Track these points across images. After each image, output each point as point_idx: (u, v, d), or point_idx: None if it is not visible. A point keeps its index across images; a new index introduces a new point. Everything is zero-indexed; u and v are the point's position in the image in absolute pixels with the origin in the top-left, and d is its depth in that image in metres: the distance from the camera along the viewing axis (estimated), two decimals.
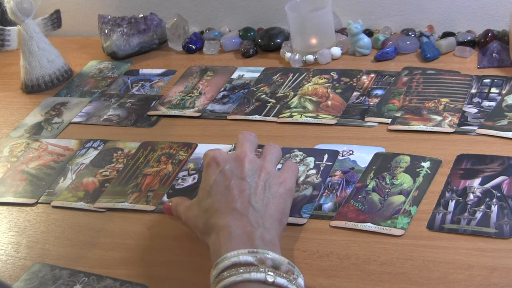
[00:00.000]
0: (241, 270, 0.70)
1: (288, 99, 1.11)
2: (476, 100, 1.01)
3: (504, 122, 0.95)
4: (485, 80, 1.05)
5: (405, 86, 1.08)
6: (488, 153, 0.90)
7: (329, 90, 1.11)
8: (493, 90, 1.02)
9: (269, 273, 0.70)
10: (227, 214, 0.77)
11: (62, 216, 0.97)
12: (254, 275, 0.69)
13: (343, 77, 1.14)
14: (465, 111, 0.99)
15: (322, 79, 1.14)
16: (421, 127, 0.97)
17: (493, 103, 0.99)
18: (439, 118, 0.98)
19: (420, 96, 1.04)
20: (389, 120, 1.01)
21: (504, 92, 1.01)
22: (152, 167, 1.02)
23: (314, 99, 1.09)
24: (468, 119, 0.97)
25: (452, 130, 0.96)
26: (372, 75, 1.13)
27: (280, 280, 0.70)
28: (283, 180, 0.82)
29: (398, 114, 1.01)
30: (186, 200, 0.86)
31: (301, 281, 0.72)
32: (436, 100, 1.02)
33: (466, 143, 0.93)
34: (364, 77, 1.13)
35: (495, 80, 1.04)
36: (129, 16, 1.35)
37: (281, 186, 0.81)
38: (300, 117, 1.06)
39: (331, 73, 1.15)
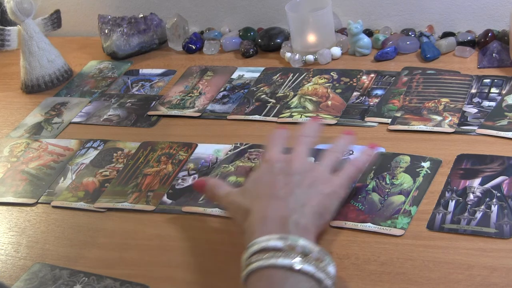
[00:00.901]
0: (269, 255, 0.70)
1: (288, 99, 1.11)
2: (476, 100, 1.01)
3: (504, 122, 0.95)
4: (485, 80, 1.05)
5: (405, 86, 1.08)
6: (488, 153, 0.90)
7: (329, 90, 1.11)
8: (493, 90, 1.02)
9: (296, 259, 0.69)
10: (267, 200, 0.78)
11: (62, 216, 0.97)
12: (281, 261, 0.69)
13: (343, 77, 1.14)
14: (465, 111, 0.99)
15: (322, 79, 1.14)
16: (421, 127, 0.97)
17: (493, 103, 0.99)
18: (439, 118, 0.98)
19: (420, 96, 1.04)
20: (389, 120, 1.01)
21: (504, 92, 1.01)
22: (152, 167, 1.02)
23: (314, 99, 1.09)
24: (468, 119, 0.97)
25: (452, 130, 0.96)
26: (372, 75, 1.13)
27: (308, 268, 0.69)
28: (333, 184, 0.81)
29: (398, 114, 1.01)
30: (225, 185, 0.86)
31: (331, 269, 0.71)
32: (436, 100, 1.02)
33: (466, 143, 0.93)
34: (364, 77, 1.13)
35: (495, 80, 1.04)
36: (129, 16, 1.35)
37: (329, 187, 0.80)
38: (300, 117, 1.06)
39: (331, 73, 1.15)
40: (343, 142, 0.89)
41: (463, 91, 1.03)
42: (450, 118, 0.98)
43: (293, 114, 1.07)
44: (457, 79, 1.06)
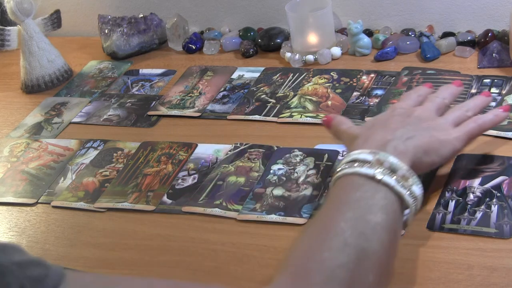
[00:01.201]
0: (355, 165, 0.74)
1: (288, 99, 1.11)
2: None
3: (504, 122, 0.95)
4: (485, 80, 1.05)
5: (405, 86, 1.08)
6: (488, 153, 0.90)
7: (329, 90, 1.11)
8: (493, 90, 1.02)
9: (379, 170, 0.72)
10: (377, 128, 0.80)
11: (62, 216, 0.97)
12: (364, 170, 0.72)
13: (343, 77, 1.14)
14: None
15: (322, 79, 1.14)
16: None
17: (493, 103, 0.99)
18: None
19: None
20: None
21: (504, 92, 1.01)
22: (152, 167, 1.02)
23: (314, 99, 1.09)
24: None
25: None
26: (372, 75, 1.13)
27: (389, 180, 0.72)
28: (449, 133, 0.81)
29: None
30: (349, 121, 0.88)
31: (416, 189, 0.73)
32: None
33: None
34: (364, 77, 1.13)
35: (495, 80, 1.04)
36: (129, 16, 1.35)
37: (444, 135, 0.81)
38: (300, 117, 1.06)
39: (331, 73, 1.15)
40: (475, 102, 0.88)
41: (463, 91, 1.03)
42: None
43: (293, 114, 1.07)
44: (458, 79, 1.06)
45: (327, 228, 0.68)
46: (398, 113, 0.84)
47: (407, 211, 0.74)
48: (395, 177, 0.73)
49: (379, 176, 0.72)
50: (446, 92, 0.89)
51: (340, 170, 0.75)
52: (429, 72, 1.10)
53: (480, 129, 0.84)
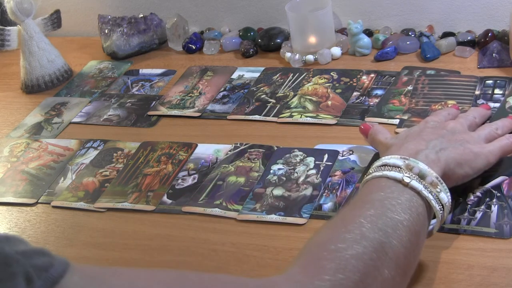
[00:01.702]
0: (385, 168, 0.75)
1: (288, 99, 1.11)
2: (480, 101, 1.00)
3: None
4: (487, 81, 1.05)
5: (405, 86, 1.07)
6: None
7: (329, 90, 1.11)
8: (497, 91, 1.02)
9: (408, 175, 0.74)
10: (411, 138, 0.82)
11: (62, 216, 0.97)
12: (393, 173, 0.74)
13: (343, 77, 1.14)
14: None
15: (322, 79, 1.14)
16: None
17: (497, 104, 0.99)
18: None
19: (426, 98, 1.03)
20: (388, 120, 1.01)
21: (507, 93, 1.01)
22: (152, 167, 1.02)
23: (314, 99, 1.09)
24: None
25: None
26: (372, 75, 1.13)
27: (416, 184, 0.73)
28: (483, 147, 0.83)
29: (405, 117, 1.00)
30: (386, 133, 0.90)
31: (444, 196, 0.74)
32: (443, 102, 1.02)
33: None
34: (364, 77, 1.13)
35: (498, 81, 1.04)
36: (129, 16, 1.35)
37: (477, 148, 0.82)
38: (300, 117, 1.06)
39: (331, 73, 1.15)
40: (503, 122, 0.90)
41: (469, 93, 1.03)
42: None
43: (293, 114, 1.07)
44: (462, 81, 1.06)
45: (346, 222, 0.69)
46: (431, 126, 0.86)
47: (433, 221, 0.75)
48: (423, 182, 0.73)
49: (407, 180, 0.73)
50: (477, 112, 0.92)
51: (369, 174, 0.77)
52: (429, 72, 1.10)
53: None
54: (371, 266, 0.64)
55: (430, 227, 0.75)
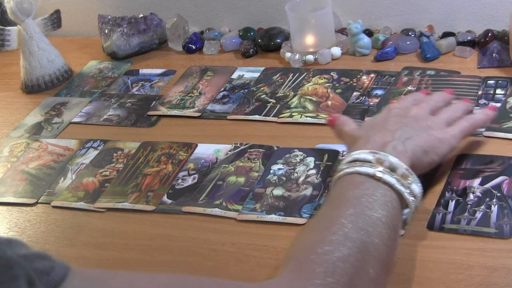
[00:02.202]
0: (356, 164, 0.76)
1: (288, 99, 1.11)
2: (482, 101, 1.00)
3: (510, 124, 0.94)
4: (489, 82, 1.04)
5: (405, 86, 1.07)
6: (488, 153, 0.90)
7: (329, 90, 1.11)
8: (498, 91, 1.02)
9: (380, 169, 0.74)
10: (377, 130, 0.83)
11: (62, 216, 0.97)
12: (364, 169, 0.75)
13: (343, 77, 1.14)
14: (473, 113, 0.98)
15: (322, 79, 1.14)
16: None
17: (499, 104, 0.99)
18: None
19: None
20: None
21: (508, 93, 1.01)
22: (152, 167, 1.02)
23: (314, 99, 1.09)
24: None
25: None
26: (372, 75, 1.13)
27: (389, 178, 0.74)
28: (445, 132, 0.84)
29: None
30: (351, 124, 0.90)
31: (415, 187, 0.75)
32: None
33: (466, 143, 0.93)
34: (364, 77, 1.13)
35: (499, 81, 1.04)
36: (129, 16, 1.35)
37: (441, 133, 0.84)
38: (300, 117, 1.06)
39: (331, 73, 1.15)
40: (459, 105, 0.91)
41: (472, 93, 1.03)
42: None
43: (293, 114, 1.07)
44: (466, 81, 1.06)
45: (328, 224, 0.69)
46: (395, 114, 0.86)
47: (406, 211, 0.75)
48: (395, 176, 0.74)
49: (379, 175, 0.74)
50: (440, 97, 0.92)
51: (340, 170, 0.77)
52: (429, 72, 1.10)
53: (473, 127, 0.88)
54: (357, 267, 0.65)
55: (404, 216, 0.76)
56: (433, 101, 0.90)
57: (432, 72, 1.10)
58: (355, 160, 0.77)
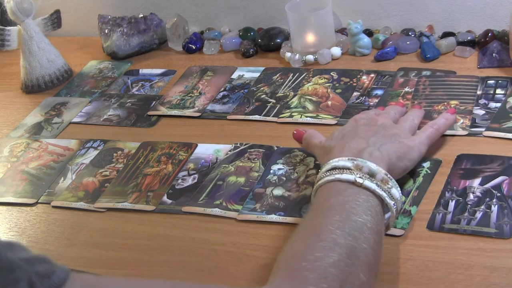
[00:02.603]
0: (335, 172, 0.77)
1: (288, 99, 1.11)
2: (482, 101, 1.00)
3: (510, 123, 0.94)
4: (489, 82, 1.04)
5: (402, 87, 1.07)
6: (488, 153, 0.90)
7: (329, 90, 1.11)
8: (498, 91, 1.02)
9: (360, 175, 0.76)
10: (349, 138, 0.84)
11: (62, 216, 0.97)
12: (345, 176, 0.76)
13: (343, 77, 1.14)
14: (473, 113, 0.98)
15: (322, 79, 1.14)
16: None
17: (499, 104, 0.99)
18: None
19: (428, 99, 1.03)
20: None
21: (508, 93, 1.01)
22: (152, 167, 1.02)
23: (314, 99, 1.09)
24: (476, 121, 0.97)
25: (465, 132, 0.95)
26: (372, 75, 1.13)
27: (370, 184, 0.75)
28: (413, 139, 0.87)
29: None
30: (320, 136, 0.91)
31: (395, 192, 0.77)
32: (445, 103, 1.01)
33: (466, 143, 0.93)
34: (364, 77, 1.13)
35: (499, 81, 1.04)
36: (129, 16, 1.35)
37: (410, 141, 0.86)
38: (300, 117, 1.06)
39: (331, 73, 1.15)
40: (415, 112, 0.95)
41: (471, 93, 1.03)
42: (462, 121, 0.97)
43: (293, 114, 1.07)
44: (463, 81, 1.06)
45: (316, 231, 0.70)
46: (363, 123, 0.88)
47: (387, 215, 0.77)
48: (375, 181, 0.76)
49: (359, 181, 0.75)
50: (396, 109, 0.95)
51: (320, 178, 0.78)
52: (424, 73, 1.10)
53: (438, 133, 0.91)
54: (347, 272, 0.66)
55: (385, 221, 0.77)
56: (392, 113, 0.93)
57: (428, 73, 1.10)
58: (334, 168, 0.78)
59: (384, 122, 0.88)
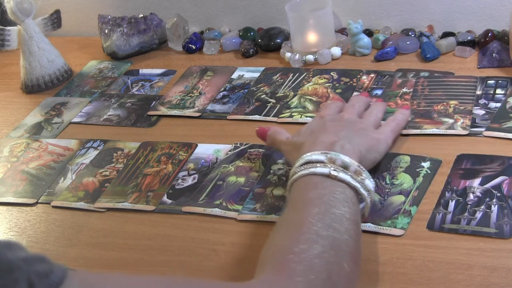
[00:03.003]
0: (309, 166, 0.79)
1: (288, 99, 1.11)
2: (482, 101, 1.00)
3: (510, 124, 0.94)
4: (489, 82, 1.04)
5: (400, 88, 1.07)
6: (488, 153, 0.90)
7: (329, 90, 1.11)
8: (498, 91, 1.02)
9: (334, 168, 0.77)
10: (319, 133, 0.86)
11: (62, 216, 0.97)
12: (320, 169, 0.78)
13: (343, 77, 1.14)
14: (473, 113, 0.98)
15: (322, 79, 1.14)
16: (434, 130, 0.97)
17: (499, 104, 0.99)
18: (450, 120, 0.97)
19: (427, 99, 1.03)
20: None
21: (508, 93, 1.01)
22: (152, 167, 1.02)
23: (314, 99, 1.09)
24: (476, 121, 0.97)
25: (466, 132, 0.95)
26: (372, 75, 1.13)
27: (344, 176, 0.77)
28: (379, 132, 0.90)
29: (409, 118, 1.00)
30: (285, 133, 0.93)
31: (369, 183, 0.79)
32: (445, 103, 1.01)
33: (466, 143, 0.93)
34: (364, 77, 1.13)
35: (499, 81, 1.04)
36: (129, 16, 1.35)
37: (376, 134, 0.89)
38: (300, 117, 1.06)
39: (331, 73, 1.15)
40: (378, 107, 0.98)
41: (470, 93, 1.03)
42: (462, 121, 0.97)
43: (293, 114, 1.07)
44: (462, 81, 1.06)
45: (298, 225, 0.71)
46: (330, 119, 0.90)
47: (362, 205, 0.79)
48: (348, 173, 0.77)
49: (334, 173, 0.77)
50: (360, 100, 0.98)
51: (295, 173, 0.80)
52: (422, 74, 1.10)
53: (399, 127, 0.94)
54: (332, 263, 0.67)
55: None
56: (357, 105, 0.96)
57: (426, 74, 1.10)
58: (307, 162, 0.79)
59: (350, 117, 0.91)
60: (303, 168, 0.79)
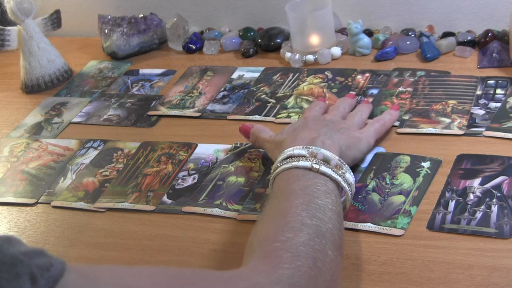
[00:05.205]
0: (292, 160, 0.81)
1: (285, 100, 1.11)
2: (482, 101, 1.00)
3: (510, 124, 0.94)
4: (489, 82, 1.04)
5: (396, 87, 1.07)
6: (488, 153, 0.90)
7: (325, 90, 1.11)
8: (499, 91, 1.02)
9: (316, 162, 0.80)
10: (301, 130, 0.88)
11: (62, 216, 0.97)
12: (302, 163, 0.80)
13: (338, 76, 1.14)
14: (472, 113, 0.98)
15: (316, 78, 1.14)
16: (430, 129, 0.97)
17: (499, 104, 0.99)
18: (447, 120, 0.98)
19: (427, 99, 1.03)
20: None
21: (508, 93, 1.01)
22: (152, 167, 1.02)
23: (310, 99, 1.09)
24: (476, 121, 0.97)
25: (461, 132, 0.95)
26: (367, 74, 1.13)
27: (325, 169, 0.80)
28: (362, 131, 0.92)
29: (406, 117, 1.00)
30: (268, 131, 0.96)
31: (349, 176, 0.82)
32: (444, 102, 1.02)
33: (466, 143, 0.93)
34: (359, 76, 1.13)
35: (499, 81, 1.04)
36: (129, 16, 1.35)
37: (358, 133, 0.91)
38: (298, 118, 1.06)
39: (326, 73, 1.15)
40: (363, 107, 0.99)
41: (470, 93, 1.03)
42: (459, 120, 0.97)
43: (290, 114, 1.07)
44: (463, 81, 1.06)
45: (283, 214, 0.73)
46: (312, 119, 0.93)
47: (343, 198, 0.81)
48: (330, 167, 0.80)
49: (316, 166, 0.79)
50: (345, 102, 1.00)
51: (277, 167, 0.82)
52: (418, 73, 1.10)
53: (384, 127, 0.96)
54: (317, 250, 0.69)
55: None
56: (341, 107, 0.98)
57: (422, 73, 1.10)
58: (289, 157, 0.82)
59: (332, 118, 0.93)
60: (285, 162, 0.81)
